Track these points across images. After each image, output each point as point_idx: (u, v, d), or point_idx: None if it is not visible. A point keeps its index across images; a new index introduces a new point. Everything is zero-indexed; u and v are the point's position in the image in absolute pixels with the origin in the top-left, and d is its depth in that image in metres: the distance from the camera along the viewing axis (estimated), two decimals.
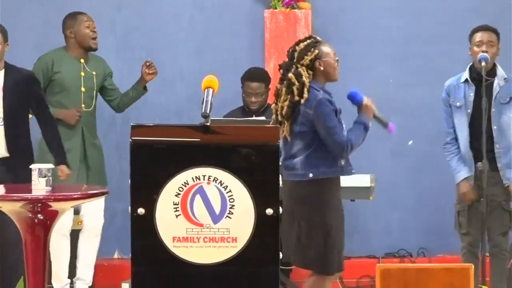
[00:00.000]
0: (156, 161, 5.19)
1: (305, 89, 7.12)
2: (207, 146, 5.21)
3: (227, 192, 5.13)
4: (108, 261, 9.54)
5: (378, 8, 10.10)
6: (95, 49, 9.15)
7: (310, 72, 7.22)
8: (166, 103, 9.66)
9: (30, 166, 6.81)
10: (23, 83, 8.58)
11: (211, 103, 5.29)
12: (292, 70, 7.19)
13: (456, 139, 8.43)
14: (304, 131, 7.17)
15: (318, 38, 7.38)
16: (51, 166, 6.91)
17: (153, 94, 9.51)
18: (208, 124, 5.21)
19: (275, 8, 9.94)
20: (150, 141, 5.26)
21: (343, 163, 7.33)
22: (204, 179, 5.14)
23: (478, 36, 8.50)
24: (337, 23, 10.07)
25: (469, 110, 8.29)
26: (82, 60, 9.11)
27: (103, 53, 9.33)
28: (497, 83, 8.58)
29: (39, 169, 6.76)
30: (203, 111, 5.23)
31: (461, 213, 8.36)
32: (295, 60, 7.25)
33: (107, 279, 9.36)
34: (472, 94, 8.30)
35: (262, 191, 5.15)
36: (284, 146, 7.30)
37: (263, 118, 8.98)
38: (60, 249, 9.05)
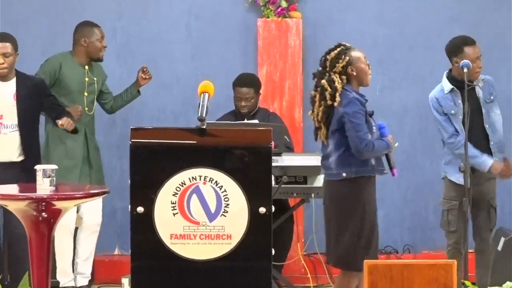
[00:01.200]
0: (154, 162, 5.20)
1: (337, 94, 7.19)
2: (203, 148, 5.23)
3: (222, 192, 5.15)
4: (109, 257, 9.53)
5: (364, 17, 10.10)
6: (101, 61, 9.22)
7: (344, 77, 7.28)
8: (164, 105, 9.66)
9: (35, 167, 6.83)
10: (35, 90, 8.68)
11: (207, 107, 5.32)
12: (326, 77, 7.26)
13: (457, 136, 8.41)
14: (336, 130, 7.26)
15: (347, 44, 7.44)
16: (55, 167, 6.91)
17: (151, 97, 9.56)
18: (204, 127, 5.23)
19: (268, 17, 9.93)
20: (149, 143, 5.27)
21: (373, 162, 7.35)
22: (200, 179, 5.15)
23: (472, 52, 8.47)
24: (326, 31, 10.05)
25: (460, 117, 8.28)
26: (86, 67, 9.15)
27: (104, 59, 9.34)
28: (478, 86, 8.61)
29: (43, 169, 6.76)
30: (199, 115, 5.25)
31: (450, 212, 8.34)
32: (328, 69, 7.32)
33: (108, 274, 9.36)
34: (460, 101, 8.29)
35: (255, 190, 5.17)
36: (322, 147, 7.47)
37: (256, 121, 9.01)
38: (65, 246, 9.10)
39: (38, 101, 8.64)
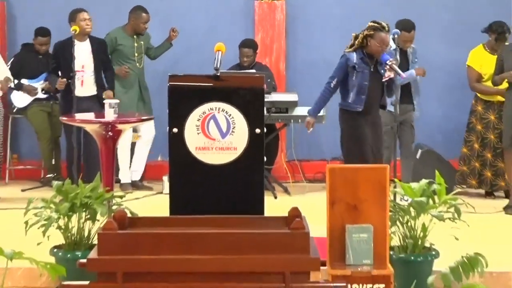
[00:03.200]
0: (184, 98, 5.15)
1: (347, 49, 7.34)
2: (217, 89, 5.16)
3: (230, 118, 5.10)
4: (154, 162, 9.52)
5: (332, 1, 10.00)
6: (143, 34, 9.33)
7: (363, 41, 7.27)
8: (190, 62, 9.55)
9: (104, 101, 6.87)
10: (100, 47, 8.92)
11: (220, 61, 5.26)
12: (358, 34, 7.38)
13: None
14: None
15: (383, 24, 7.28)
16: (117, 101, 6.95)
17: (181, 57, 9.59)
18: (218, 74, 5.17)
19: (262, 0, 9.90)
20: (181, 85, 5.21)
21: (350, 101, 7.28)
22: (215, 110, 5.10)
23: (407, 36, 8.38)
24: (302, 10, 10.01)
25: (404, 75, 8.19)
26: (134, 37, 9.31)
27: (151, 29, 9.42)
28: (409, 51, 8.58)
29: (109, 103, 6.78)
30: (215, 66, 5.19)
31: (385, 134, 8.31)
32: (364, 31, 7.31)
33: (153, 174, 9.35)
34: (397, 57, 8.15)
35: (253, 117, 5.11)
36: None
37: (253, 71, 9.02)
38: (124, 154, 9.19)
39: (102, 54, 8.94)
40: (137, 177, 9.31)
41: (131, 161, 9.31)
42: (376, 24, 7.24)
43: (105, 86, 8.84)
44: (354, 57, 7.25)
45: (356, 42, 7.25)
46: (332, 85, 7.32)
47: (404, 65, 8.37)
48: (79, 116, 7.36)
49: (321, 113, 8.82)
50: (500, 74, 8.07)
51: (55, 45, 8.98)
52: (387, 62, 7.09)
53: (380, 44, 7.18)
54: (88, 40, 8.72)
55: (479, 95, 8.73)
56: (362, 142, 7.27)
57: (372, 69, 7.24)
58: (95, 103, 8.58)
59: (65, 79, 8.54)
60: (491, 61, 8.46)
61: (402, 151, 8.44)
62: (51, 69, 8.94)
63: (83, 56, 8.52)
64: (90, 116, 7.44)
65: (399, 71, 7.14)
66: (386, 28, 7.25)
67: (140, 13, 9.22)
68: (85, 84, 8.70)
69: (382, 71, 7.21)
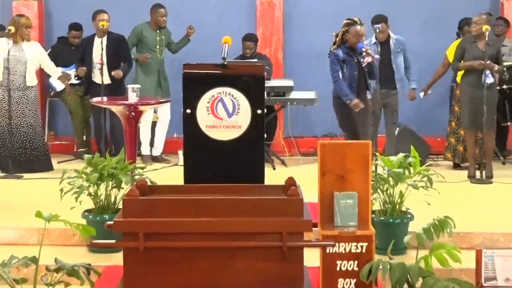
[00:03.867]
0: (196, 83, 5.13)
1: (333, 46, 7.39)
2: (225, 75, 5.14)
3: (236, 101, 5.08)
4: (171, 139, 9.47)
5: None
6: (164, 28, 9.26)
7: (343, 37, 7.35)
8: (201, 52, 9.48)
9: (127, 86, 6.89)
10: (116, 43, 8.80)
11: (227, 51, 5.24)
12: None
13: None
14: None
15: (355, 19, 7.33)
16: (139, 86, 6.93)
17: (195, 48, 9.43)
18: (225, 63, 5.15)
19: None
20: (194, 72, 5.19)
21: None
22: (223, 94, 5.08)
23: (379, 27, 8.36)
24: (296, 7, 9.96)
25: (377, 56, 8.14)
26: (158, 31, 9.23)
27: (170, 24, 9.37)
28: (392, 42, 8.54)
29: (132, 87, 6.76)
30: (222, 55, 5.18)
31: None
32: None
33: (170, 149, 9.32)
34: (379, 49, 8.16)
35: (255, 100, 5.09)
36: None
37: (255, 60, 8.97)
38: (145, 132, 9.19)
39: (118, 49, 8.79)
40: (158, 153, 9.32)
41: (152, 139, 9.31)
42: (349, 21, 7.32)
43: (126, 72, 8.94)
44: (340, 52, 7.29)
45: (337, 39, 7.35)
46: (340, 76, 7.28)
47: (387, 55, 8.36)
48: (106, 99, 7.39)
49: (313, 96, 8.83)
50: (467, 62, 8.05)
51: (82, 40, 9.20)
52: (363, 49, 7.17)
53: (355, 36, 7.25)
54: (106, 36, 8.67)
55: (458, 80, 8.60)
56: (354, 124, 7.34)
57: (356, 60, 7.25)
58: (111, 91, 8.47)
59: (84, 68, 8.75)
60: None
61: (387, 129, 8.44)
62: (77, 59, 8.99)
63: (100, 50, 8.51)
64: (116, 99, 7.42)
65: (373, 53, 7.23)
66: (358, 22, 7.32)
67: (158, 8, 9.22)
68: (102, 74, 8.70)
69: (362, 59, 7.24)
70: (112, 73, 8.61)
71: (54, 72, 8.73)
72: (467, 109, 8.03)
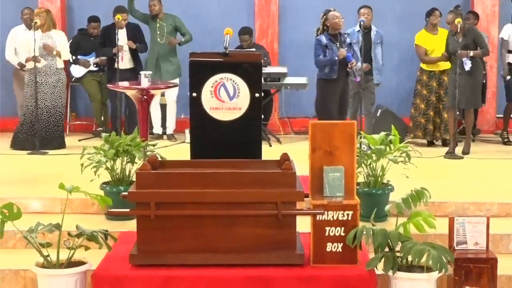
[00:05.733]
0: (202, 69, 5.08)
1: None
2: (226, 63, 5.09)
3: (236, 85, 5.04)
4: (178, 119, 9.38)
5: None
6: (154, 15, 8.99)
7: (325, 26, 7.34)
8: (205, 43, 9.41)
9: (140, 72, 6.85)
10: (133, 31, 8.89)
11: (228, 41, 5.21)
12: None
13: None
14: None
15: (329, 8, 7.32)
16: (150, 72, 6.90)
17: (199, 39, 9.32)
18: (227, 52, 5.10)
19: None
20: (199, 60, 5.13)
21: (326, 71, 7.19)
22: (225, 79, 5.04)
23: (361, 13, 8.33)
24: (292, 4, 9.88)
25: (360, 45, 8.10)
26: (157, 19, 9.06)
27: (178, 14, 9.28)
28: (373, 33, 8.49)
29: (144, 73, 6.70)
30: (224, 45, 5.15)
31: (351, 97, 8.30)
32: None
33: (178, 128, 9.24)
34: (361, 38, 8.13)
35: (253, 85, 5.05)
36: None
37: (253, 49, 8.90)
38: (155, 113, 9.13)
39: (135, 36, 8.87)
40: (170, 131, 9.27)
41: (163, 121, 9.26)
42: (325, 11, 7.32)
43: (138, 61, 8.92)
44: (323, 38, 7.24)
45: (320, 28, 7.32)
46: (321, 56, 7.20)
47: (368, 44, 8.31)
48: (121, 84, 7.34)
49: (305, 81, 8.78)
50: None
51: (102, 28, 9.13)
52: (349, 65, 7.13)
53: (333, 18, 7.20)
54: (125, 28, 8.76)
55: (423, 67, 8.68)
56: (329, 104, 7.22)
57: (338, 45, 7.20)
58: (132, 74, 8.55)
59: (116, 48, 8.64)
60: (432, 39, 8.59)
61: (364, 111, 8.41)
62: (97, 44, 9.02)
63: (121, 40, 8.59)
64: (130, 84, 7.39)
65: (354, 74, 7.21)
66: (332, 9, 7.31)
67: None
68: (124, 60, 8.74)
69: (345, 47, 7.20)
70: (127, 42, 8.70)
71: (64, 55, 8.49)
72: (451, 92, 8.03)
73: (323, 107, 7.28)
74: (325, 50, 7.20)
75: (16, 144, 8.23)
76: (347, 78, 7.34)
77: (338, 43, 7.22)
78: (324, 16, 7.27)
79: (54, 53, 8.21)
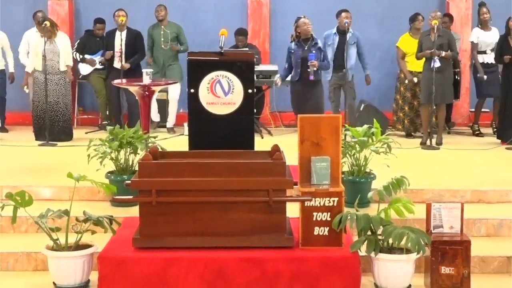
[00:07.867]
0: (199, 67, 5.06)
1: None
2: (222, 61, 5.06)
3: (231, 82, 5.02)
4: (178, 114, 9.34)
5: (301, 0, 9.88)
6: (160, 21, 9.05)
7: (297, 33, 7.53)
8: (202, 43, 9.33)
9: (143, 70, 6.83)
10: (133, 36, 8.75)
11: (223, 42, 5.18)
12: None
13: None
14: None
15: (300, 16, 7.46)
16: (151, 70, 6.86)
17: (196, 40, 9.28)
18: (222, 51, 5.08)
19: None
20: (196, 59, 5.11)
21: (293, 73, 7.41)
22: (220, 76, 5.02)
23: (344, 16, 8.32)
24: (281, 6, 9.84)
25: (335, 46, 8.12)
26: (162, 27, 9.08)
27: (178, 20, 9.26)
28: (349, 34, 8.48)
29: (146, 71, 6.67)
30: (220, 45, 5.12)
31: (332, 91, 8.36)
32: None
33: (177, 122, 9.21)
34: (337, 39, 8.15)
35: (247, 81, 5.03)
36: None
37: (246, 49, 8.88)
38: (156, 107, 9.08)
39: (133, 42, 8.72)
40: (170, 125, 9.24)
41: (165, 114, 9.25)
42: (296, 18, 7.49)
43: (138, 64, 8.82)
44: (292, 45, 7.49)
45: (293, 35, 7.49)
46: (285, 66, 7.58)
47: (342, 45, 8.33)
48: (124, 81, 7.34)
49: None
50: (421, 52, 8.12)
51: (106, 33, 9.10)
52: (309, 62, 7.23)
53: (303, 25, 7.37)
54: (125, 31, 8.66)
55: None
56: (297, 103, 7.41)
57: (306, 49, 7.31)
58: (129, 74, 8.36)
59: (111, 52, 8.73)
60: (414, 43, 8.51)
61: (347, 105, 8.43)
62: (104, 48, 9.01)
63: (120, 41, 8.51)
64: (133, 80, 7.35)
65: (313, 70, 7.25)
66: (302, 16, 7.44)
67: (156, 6, 9.12)
68: (121, 61, 8.64)
69: (314, 51, 7.30)
70: (120, 64, 8.47)
71: (67, 60, 8.45)
72: (425, 88, 8.06)
73: (293, 106, 7.56)
74: (290, 56, 7.45)
75: (38, 136, 8.26)
76: (310, 78, 7.36)
77: (306, 47, 7.32)
78: (296, 24, 7.41)
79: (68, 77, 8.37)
